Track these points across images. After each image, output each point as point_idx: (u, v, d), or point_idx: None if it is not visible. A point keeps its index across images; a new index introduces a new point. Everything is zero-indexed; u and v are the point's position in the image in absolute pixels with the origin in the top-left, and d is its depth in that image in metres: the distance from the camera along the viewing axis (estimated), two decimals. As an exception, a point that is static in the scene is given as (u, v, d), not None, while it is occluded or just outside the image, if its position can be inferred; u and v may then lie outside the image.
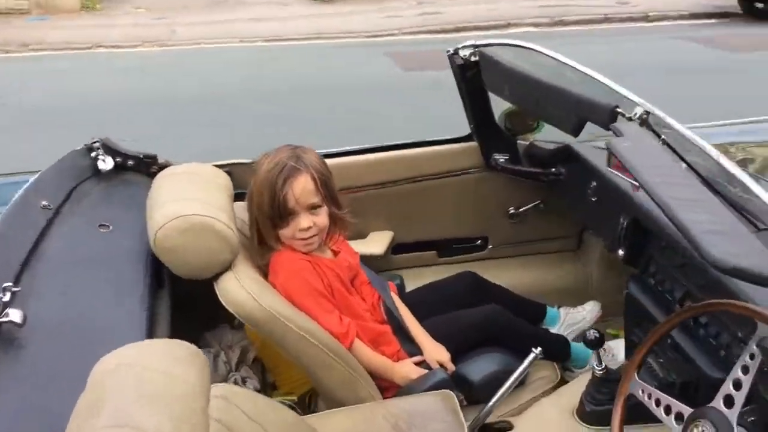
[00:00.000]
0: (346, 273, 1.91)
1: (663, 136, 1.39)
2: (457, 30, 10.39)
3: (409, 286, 2.25)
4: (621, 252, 1.89)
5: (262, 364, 2.10)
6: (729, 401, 1.24)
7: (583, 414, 1.75)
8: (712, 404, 1.27)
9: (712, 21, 10.40)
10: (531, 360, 1.82)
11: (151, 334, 1.49)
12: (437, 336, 1.96)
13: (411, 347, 1.96)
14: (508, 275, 2.47)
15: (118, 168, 1.96)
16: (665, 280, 1.77)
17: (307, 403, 2.04)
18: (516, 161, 2.30)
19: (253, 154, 1.92)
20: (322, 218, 1.79)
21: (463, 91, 2.19)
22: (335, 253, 1.93)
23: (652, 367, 1.76)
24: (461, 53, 2.05)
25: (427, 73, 7.33)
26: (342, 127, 5.66)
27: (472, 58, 2.04)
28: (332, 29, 10.55)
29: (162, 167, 1.97)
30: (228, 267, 1.68)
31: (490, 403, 1.82)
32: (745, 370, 1.22)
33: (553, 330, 2.30)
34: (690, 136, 1.30)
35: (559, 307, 2.35)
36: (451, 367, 1.90)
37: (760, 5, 10.19)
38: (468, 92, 2.15)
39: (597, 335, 1.64)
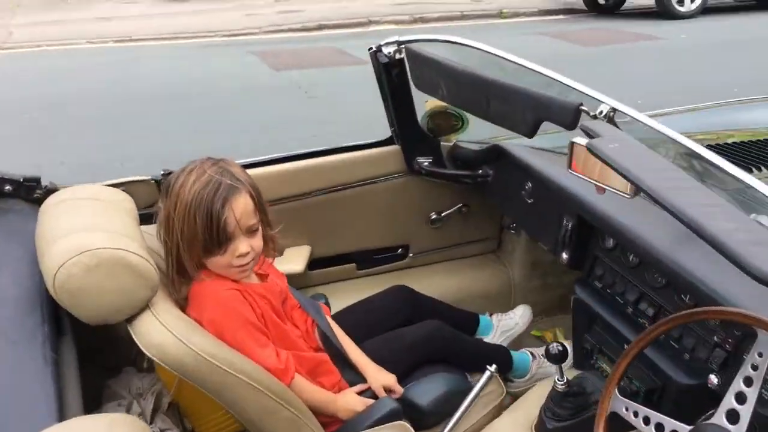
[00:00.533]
0: (277, 298, 1.70)
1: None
2: (320, 28, 10.28)
3: (333, 305, 2.07)
4: (565, 256, 1.82)
5: (178, 410, 1.83)
6: (733, 416, 1.17)
7: (544, 431, 1.65)
8: (713, 420, 1.19)
9: (561, 17, 10.93)
10: (486, 379, 1.70)
11: (61, 402, 1.22)
12: (378, 359, 1.80)
13: (351, 375, 1.78)
14: (431, 283, 2.35)
15: (-6, 194, 1.63)
16: (614, 282, 1.71)
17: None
18: (440, 164, 2.18)
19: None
20: (258, 241, 1.57)
21: (385, 92, 2.03)
22: (262, 277, 1.71)
23: (607, 375, 1.69)
24: (385, 50, 1.89)
25: (299, 72, 7.14)
26: (224, 129, 5.36)
27: (397, 56, 1.89)
28: (190, 28, 10.07)
29: (48, 191, 1.66)
30: (145, 305, 1.43)
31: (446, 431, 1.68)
32: (749, 381, 1.15)
33: (488, 339, 2.21)
34: (667, 131, 1.21)
35: (490, 314, 2.27)
36: (399, 390, 1.75)
37: (602, 1, 10.89)
38: (391, 92, 2.00)
39: (560, 348, 1.55)
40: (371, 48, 1.94)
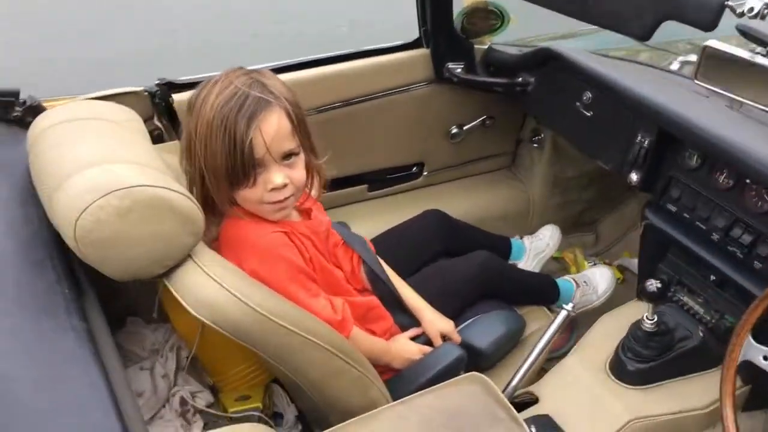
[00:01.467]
0: (323, 237, 1.43)
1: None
2: None
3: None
4: (634, 176, 1.62)
5: (199, 365, 1.56)
6: None
7: (624, 372, 1.50)
8: None
9: None
10: (563, 320, 1.51)
11: (111, 388, 0.93)
12: (429, 298, 1.58)
13: (403, 317, 1.56)
14: (448, 204, 2.11)
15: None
16: (695, 206, 1.53)
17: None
18: (472, 70, 1.90)
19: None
20: (299, 171, 1.27)
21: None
22: (305, 214, 1.43)
23: (691, 310, 1.55)
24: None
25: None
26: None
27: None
28: None
29: (30, 109, 1.28)
30: (187, 255, 1.13)
31: (517, 379, 1.50)
32: None
33: (521, 264, 2.03)
34: None
35: (520, 237, 2.08)
36: (457, 338, 1.55)
37: None
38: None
39: (659, 286, 1.37)
40: None
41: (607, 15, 1.29)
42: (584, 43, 2.03)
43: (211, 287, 1.10)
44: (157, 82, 1.58)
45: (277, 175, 1.22)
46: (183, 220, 1.08)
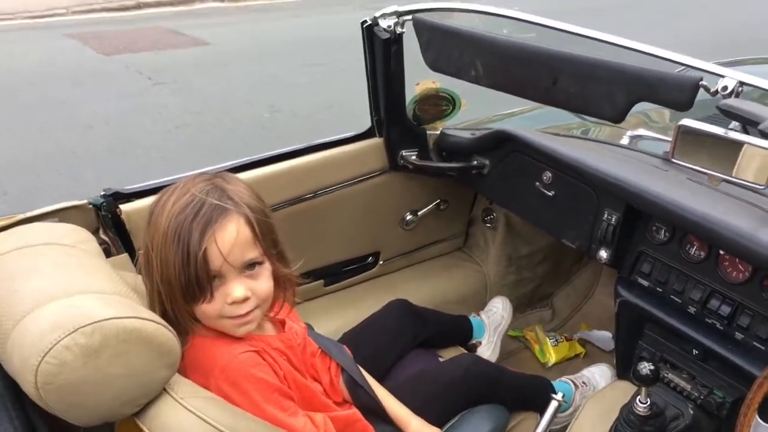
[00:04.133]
0: (297, 351, 1.32)
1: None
2: (138, 7, 9.34)
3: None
4: (603, 254, 1.61)
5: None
6: None
7: (620, 458, 1.44)
8: None
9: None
10: (555, 410, 1.45)
11: None
12: (413, 405, 1.48)
13: (386, 427, 1.45)
14: (405, 292, 2.05)
15: None
16: (668, 279, 1.53)
17: None
18: (426, 156, 1.87)
19: None
20: (263, 282, 1.16)
21: (375, 74, 1.68)
22: (277, 325, 1.32)
23: (678, 387, 1.51)
24: (383, 23, 1.54)
25: (132, 56, 6.38)
26: (62, 126, 4.59)
27: (398, 30, 1.55)
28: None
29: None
30: (161, 388, 1.01)
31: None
32: None
33: (483, 341, 1.97)
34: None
35: (477, 314, 2.03)
36: None
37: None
38: (385, 75, 1.65)
39: (652, 368, 1.33)
40: (366, 21, 1.57)
41: (576, 98, 1.29)
42: (531, 122, 2.05)
43: (194, 424, 0.98)
44: (102, 193, 1.46)
45: (236, 288, 1.11)
46: (159, 353, 0.97)
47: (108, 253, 1.47)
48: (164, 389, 1.01)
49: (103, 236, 1.46)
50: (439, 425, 1.48)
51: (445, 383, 1.52)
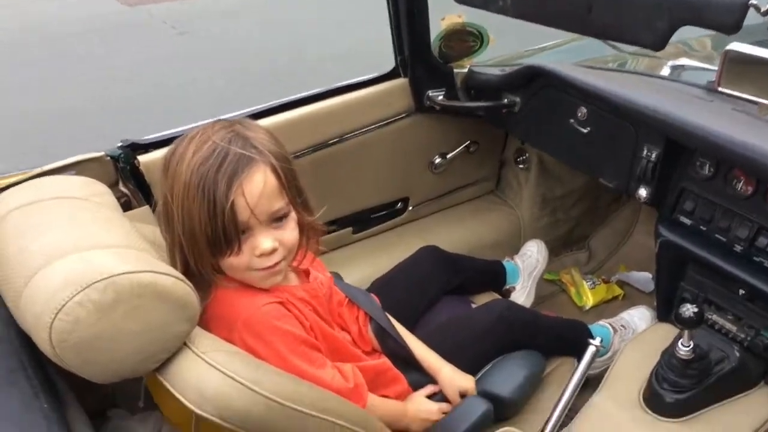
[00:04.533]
0: (323, 300, 1.28)
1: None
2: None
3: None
4: (643, 192, 1.53)
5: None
6: None
7: (662, 405, 1.38)
8: None
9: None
10: (592, 355, 1.39)
11: None
12: (445, 353, 1.44)
13: (416, 375, 1.42)
14: (437, 238, 2.00)
15: None
16: (712, 217, 1.44)
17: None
18: (453, 96, 1.79)
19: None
20: (289, 232, 1.12)
21: (399, 10, 1.60)
22: (302, 275, 1.28)
23: (723, 329, 1.45)
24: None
25: (157, 6, 6.28)
26: (91, 80, 4.57)
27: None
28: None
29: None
30: (182, 343, 0.98)
31: (549, 428, 1.37)
32: None
33: (518, 286, 1.92)
34: None
35: (510, 259, 1.97)
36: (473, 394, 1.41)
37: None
38: (408, 10, 1.56)
39: (695, 311, 1.26)
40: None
41: (612, 27, 1.19)
42: (564, 56, 1.94)
43: (214, 378, 0.95)
44: (119, 144, 1.42)
45: (264, 240, 1.08)
46: (176, 307, 0.93)
47: (128, 206, 1.44)
48: (185, 344, 0.98)
49: (122, 188, 1.43)
50: (472, 373, 1.44)
51: (478, 329, 1.48)
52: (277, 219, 1.09)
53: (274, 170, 1.07)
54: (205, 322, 1.12)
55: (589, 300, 2.11)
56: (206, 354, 0.97)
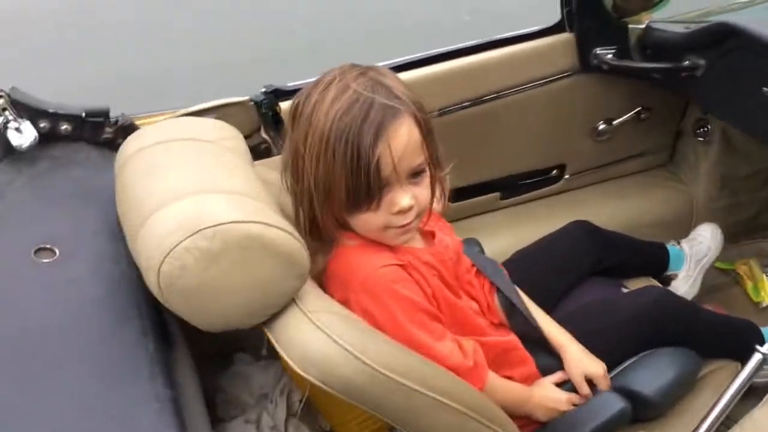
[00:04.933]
0: (449, 266, 1.20)
1: None
2: None
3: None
4: None
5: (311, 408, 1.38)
6: None
7: None
8: None
9: None
10: (758, 363, 1.20)
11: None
12: (584, 338, 1.30)
13: (546, 358, 1.30)
14: (594, 212, 1.83)
15: (47, 138, 1.10)
16: None
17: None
18: (626, 55, 1.60)
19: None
20: (425, 189, 1.05)
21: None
22: (427, 236, 1.20)
23: None
24: None
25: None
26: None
27: None
28: None
29: (122, 129, 1.14)
30: (290, 300, 0.94)
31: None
32: None
33: (681, 274, 1.70)
34: None
35: (677, 243, 1.74)
36: (606, 384, 1.26)
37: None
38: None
39: None
40: None
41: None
42: (762, 14, 1.67)
43: (319, 340, 0.91)
44: (263, 90, 1.40)
45: (403, 197, 1.01)
46: (285, 263, 0.89)
47: (269, 152, 1.44)
48: (293, 301, 0.94)
49: (264, 135, 1.42)
50: (612, 365, 1.30)
51: (624, 316, 1.32)
52: (415, 175, 1.02)
53: (418, 123, 1.01)
54: (325, 279, 1.09)
55: (768, 297, 1.86)
56: (314, 314, 0.93)
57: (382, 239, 1.07)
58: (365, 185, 0.97)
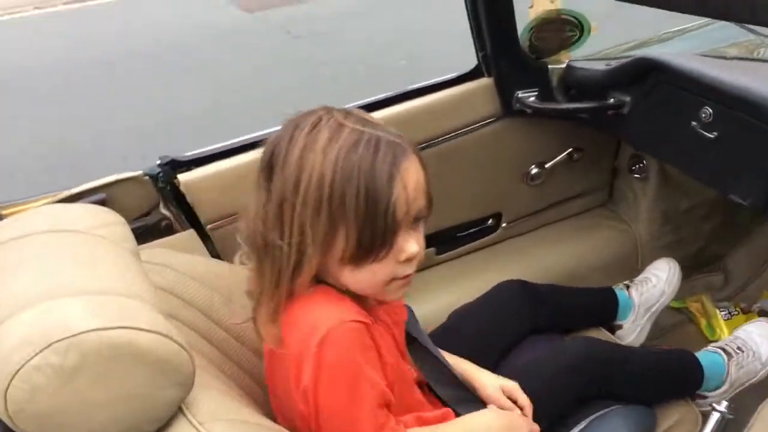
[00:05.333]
0: (402, 328, 1.10)
1: None
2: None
3: (417, 308, 1.44)
4: (788, 213, 1.20)
5: None
6: None
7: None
8: None
9: None
10: (717, 424, 1.10)
11: None
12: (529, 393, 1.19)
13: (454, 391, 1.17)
14: (534, 261, 1.76)
15: None
16: None
17: None
18: (548, 96, 1.53)
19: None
20: (422, 237, 0.94)
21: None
22: None
23: None
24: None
25: (275, 12, 6.34)
26: (218, 85, 4.66)
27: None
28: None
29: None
30: (176, 409, 0.81)
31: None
32: None
33: (627, 323, 1.60)
34: None
35: (625, 286, 1.64)
36: (524, 400, 1.15)
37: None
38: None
39: None
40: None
41: (743, 2, 0.90)
42: (684, 44, 1.63)
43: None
44: (158, 162, 1.28)
45: (412, 243, 0.90)
46: (162, 371, 0.76)
47: (171, 230, 1.31)
48: (180, 410, 0.81)
49: (164, 211, 1.29)
50: (555, 418, 1.19)
51: (556, 379, 1.22)
52: (418, 219, 0.92)
53: (421, 162, 0.91)
54: (282, 325, 0.93)
55: (724, 333, 1.78)
56: (204, 425, 0.79)
57: (380, 294, 0.95)
58: (381, 230, 0.86)
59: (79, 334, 0.71)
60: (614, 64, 1.46)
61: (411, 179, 0.88)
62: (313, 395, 0.87)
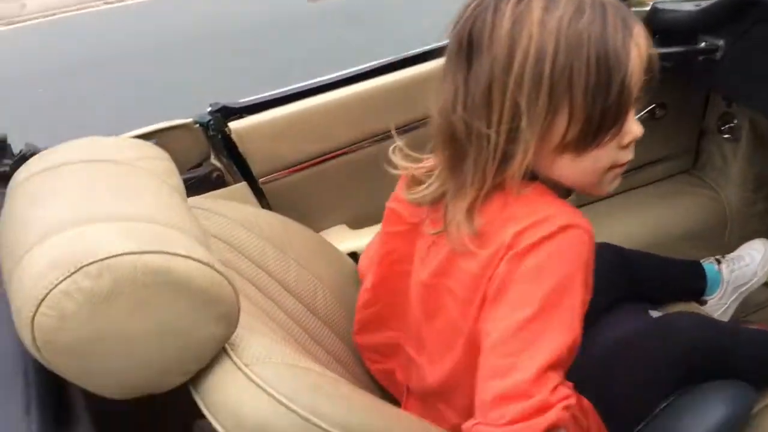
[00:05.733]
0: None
1: None
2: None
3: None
4: None
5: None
6: None
7: None
8: None
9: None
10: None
11: None
12: (617, 391, 1.06)
13: None
14: (610, 227, 1.63)
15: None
16: None
17: None
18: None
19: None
20: None
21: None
22: None
23: None
24: None
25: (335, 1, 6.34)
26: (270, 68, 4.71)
27: None
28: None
29: (22, 159, 0.95)
30: (220, 349, 0.72)
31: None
32: None
33: (713, 299, 1.46)
34: None
35: (717, 261, 1.50)
36: None
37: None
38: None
39: None
40: None
41: None
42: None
43: (258, 402, 0.69)
44: (209, 109, 1.21)
45: (637, 123, 0.81)
46: (202, 301, 0.68)
47: (223, 182, 1.24)
48: (224, 350, 0.73)
49: (215, 161, 1.22)
50: (642, 413, 1.06)
51: (658, 365, 1.07)
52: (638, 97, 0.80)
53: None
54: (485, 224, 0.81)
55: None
56: (252, 367, 0.71)
57: (596, 187, 0.84)
58: (614, 106, 0.75)
59: (112, 257, 0.64)
60: (705, 3, 1.32)
61: (643, 45, 0.77)
62: (505, 283, 0.76)
